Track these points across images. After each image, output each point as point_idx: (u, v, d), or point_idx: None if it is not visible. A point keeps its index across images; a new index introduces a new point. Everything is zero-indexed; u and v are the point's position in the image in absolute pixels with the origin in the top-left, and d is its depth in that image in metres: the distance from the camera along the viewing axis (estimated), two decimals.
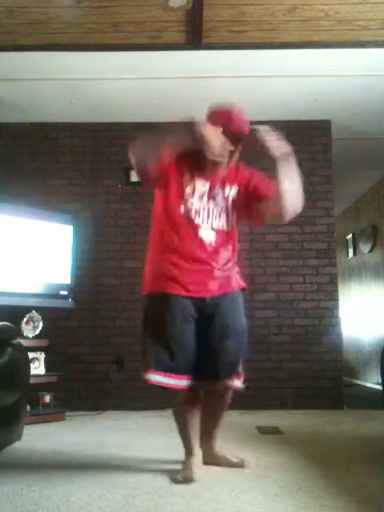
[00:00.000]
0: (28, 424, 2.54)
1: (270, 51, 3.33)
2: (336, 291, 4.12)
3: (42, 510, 1.61)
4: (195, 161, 2.08)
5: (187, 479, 1.92)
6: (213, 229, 2.09)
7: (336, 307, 4.10)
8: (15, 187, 4.05)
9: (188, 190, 2.07)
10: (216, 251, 2.08)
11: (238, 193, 2.15)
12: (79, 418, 3.52)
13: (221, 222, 2.11)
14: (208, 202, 2.09)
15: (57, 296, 3.63)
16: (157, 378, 1.95)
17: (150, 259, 2.14)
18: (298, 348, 4.02)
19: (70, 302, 3.68)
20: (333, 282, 4.13)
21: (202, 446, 2.17)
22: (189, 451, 2.11)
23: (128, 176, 4.19)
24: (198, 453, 2.12)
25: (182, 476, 1.95)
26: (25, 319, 3.54)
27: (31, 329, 3.56)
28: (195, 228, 2.06)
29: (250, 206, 2.14)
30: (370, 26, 3.06)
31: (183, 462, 2.08)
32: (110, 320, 4.04)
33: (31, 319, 3.57)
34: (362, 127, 4.39)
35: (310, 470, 2.09)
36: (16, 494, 1.77)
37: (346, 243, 6.83)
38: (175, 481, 1.92)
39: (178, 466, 2.14)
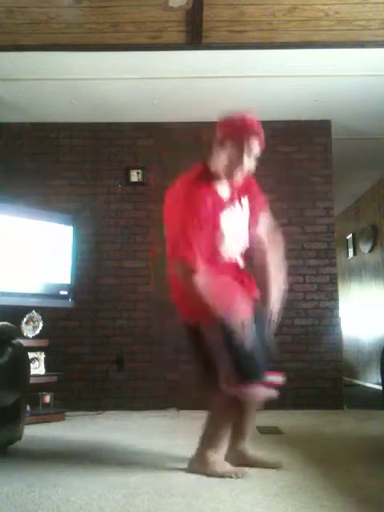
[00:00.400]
0: (28, 424, 2.54)
1: (269, 51, 3.33)
2: (336, 291, 4.12)
3: (42, 510, 1.61)
4: (210, 185, 2.08)
5: (239, 473, 2.00)
6: (239, 248, 2.22)
7: (336, 307, 4.10)
8: (15, 187, 4.05)
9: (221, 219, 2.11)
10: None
11: (254, 209, 2.24)
12: (79, 417, 3.52)
13: (243, 236, 2.21)
14: (233, 219, 2.14)
15: (57, 296, 3.63)
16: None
17: None
18: (298, 348, 4.02)
19: (70, 302, 3.68)
20: (333, 282, 4.13)
21: (235, 448, 2.21)
22: (221, 448, 2.14)
23: (128, 176, 4.19)
24: None
25: (230, 472, 2.01)
26: (25, 319, 3.54)
27: (31, 329, 3.56)
28: (231, 251, 2.18)
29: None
30: (370, 26, 3.06)
31: (210, 458, 2.08)
32: (110, 320, 4.03)
33: (31, 319, 3.57)
34: (362, 127, 4.39)
35: (310, 469, 2.09)
36: (16, 494, 1.77)
37: (346, 243, 6.83)
38: (229, 475, 1.99)
39: (179, 466, 2.14)
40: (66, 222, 3.73)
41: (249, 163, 2.07)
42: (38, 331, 3.57)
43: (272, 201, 4.16)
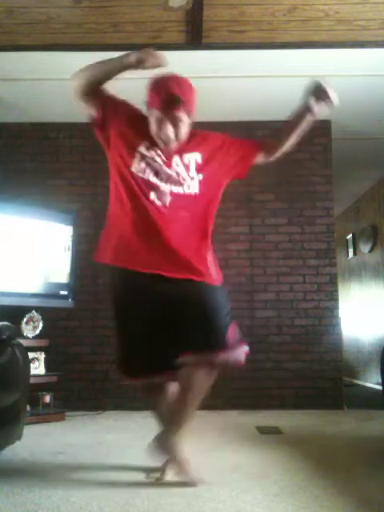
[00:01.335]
0: (28, 424, 2.54)
1: (269, 51, 3.32)
2: (336, 291, 4.12)
3: (42, 509, 1.61)
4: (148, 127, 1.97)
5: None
6: (171, 192, 1.94)
7: (336, 307, 4.10)
8: (15, 187, 4.05)
9: (142, 148, 1.95)
10: (174, 218, 1.93)
11: (209, 160, 2.02)
12: (79, 417, 3.52)
13: (184, 187, 1.96)
14: (165, 169, 1.95)
15: (57, 296, 3.63)
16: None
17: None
18: (298, 348, 4.02)
19: (69, 302, 3.68)
20: (333, 282, 4.13)
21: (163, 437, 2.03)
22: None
23: None
24: None
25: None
26: (25, 319, 3.54)
27: (31, 329, 3.56)
28: (149, 189, 1.93)
29: (233, 167, 2.11)
30: (370, 26, 3.06)
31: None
32: (110, 320, 4.01)
33: (31, 319, 3.57)
34: (362, 127, 4.39)
35: (310, 470, 2.09)
36: (16, 494, 1.77)
37: (346, 243, 6.83)
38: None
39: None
40: (66, 222, 3.73)
41: (174, 129, 1.91)
42: (38, 331, 3.57)
43: (272, 201, 4.22)
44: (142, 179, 1.94)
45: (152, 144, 1.97)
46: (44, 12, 2.95)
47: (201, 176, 2.00)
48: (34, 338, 3.54)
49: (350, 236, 6.72)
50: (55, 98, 3.93)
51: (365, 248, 6.16)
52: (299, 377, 3.96)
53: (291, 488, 1.83)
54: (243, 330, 4.09)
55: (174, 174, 1.96)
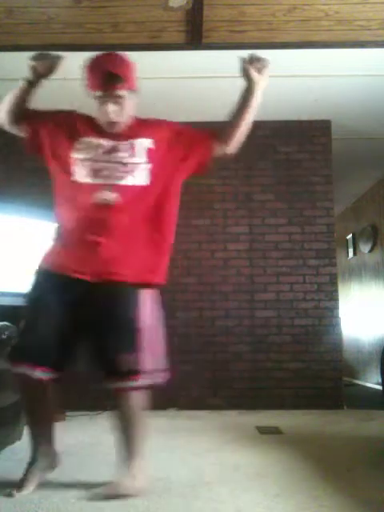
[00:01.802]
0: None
1: (270, 51, 3.31)
2: (336, 291, 4.12)
3: (42, 509, 1.61)
4: (87, 121, 1.94)
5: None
6: (115, 186, 1.83)
7: (336, 307, 4.10)
8: (15, 187, 4.05)
9: (78, 149, 1.88)
10: (117, 216, 1.81)
11: (159, 148, 1.90)
12: (79, 417, 3.52)
13: (130, 177, 1.85)
14: (109, 159, 1.86)
15: None
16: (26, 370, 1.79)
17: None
18: (298, 348, 4.02)
19: None
20: (333, 282, 4.13)
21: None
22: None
23: None
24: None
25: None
26: None
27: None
28: (89, 190, 1.82)
29: (186, 160, 1.93)
30: (370, 26, 3.06)
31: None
32: None
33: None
34: (362, 127, 4.39)
35: (310, 470, 2.09)
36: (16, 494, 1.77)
37: (346, 243, 6.83)
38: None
39: (179, 466, 2.14)
40: None
41: (117, 108, 1.84)
42: None
43: (272, 201, 4.22)
44: (82, 183, 1.86)
45: (95, 134, 1.90)
46: (44, 12, 2.95)
47: (150, 165, 1.87)
48: None
49: (350, 236, 6.72)
50: (55, 97, 3.92)
51: (365, 248, 6.16)
52: (299, 377, 3.96)
53: (291, 488, 1.83)
54: (243, 329, 4.13)
55: (118, 165, 1.85)
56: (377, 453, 2.43)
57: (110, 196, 1.81)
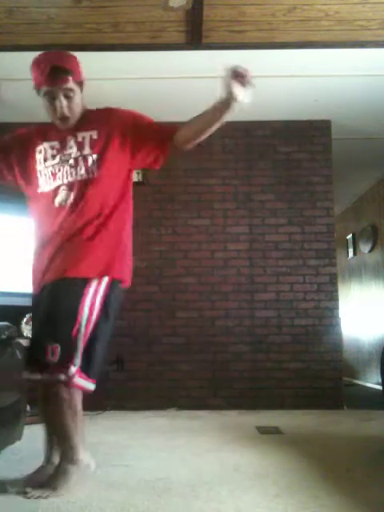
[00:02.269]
0: (28, 424, 2.53)
1: (270, 51, 3.32)
2: (336, 291, 4.12)
3: (42, 510, 1.61)
4: (39, 129, 1.98)
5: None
6: (67, 184, 1.84)
7: (336, 307, 4.10)
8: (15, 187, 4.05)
9: (39, 159, 1.90)
10: (70, 213, 1.81)
11: (109, 139, 1.88)
12: None
13: (78, 171, 1.84)
14: (61, 158, 1.87)
15: None
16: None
17: None
18: (298, 348, 4.02)
19: None
20: (333, 282, 4.13)
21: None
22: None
23: None
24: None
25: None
26: (25, 319, 3.53)
27: (31, 329, 3.55)
28: (52, 197, 1.85)
29: (139, 150, 1.91)
30: (370, 26, 3.06)
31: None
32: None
33: (31, 319, 3.56)
34: (362, 127, 4.39)
35: (310, 470, 2.09)
36: (16, 494, 1.77)
37: (346, 243, 6.83)
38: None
39: (179, 466, 2.14)
40: None
41: (67, 101, 1.84)
42: None
43: (272, 201, 4.23)
44: (46, 192, 1.89)
45: (49, 137, 1.93)
46: (44, 12, 2.95)
47: (96, 156, 1.86)
48: None
49: (350, 236, 6.72)
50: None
51: (365, 248, 6.16)
52: (299, 377, 3.96)
53: (291, 488, 1.82)
54: (243, 329, 4.13)
55: (68, 161, 1.85)
56: (377, 453, 2.43)
57: (66, 196, 1.83)
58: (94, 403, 3.84)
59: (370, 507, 1.63)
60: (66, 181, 1.85)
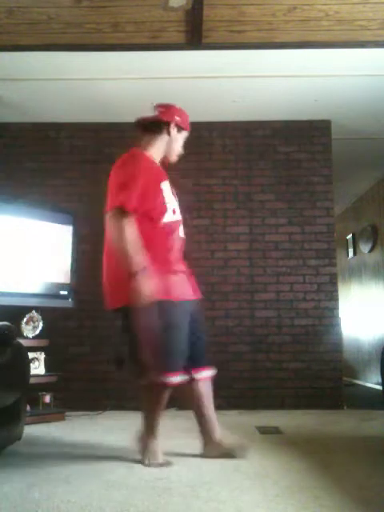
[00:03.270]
0: (28, 424, 2.54)
1: (270, 51, 3.32)
2: (336, 291, 4.12)
3: (42, 510, 1.61)
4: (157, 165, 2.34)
5: (165, 464, 2.16)
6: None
7: (336, 307, 4.10)
8: (15, 187, 4.05)
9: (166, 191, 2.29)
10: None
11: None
12: (79, 418, 3.52)
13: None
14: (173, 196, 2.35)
15: (57, 296, 3.62)
16: (178, 378, 2.17)
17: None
18: (298, 348, 4.02)
19: (69, 302, 3.68)
20: (333, 282, 4.13)
21: (212, 440, 2.34)
22: (156, 435, 2.30)
23: None
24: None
25: (158, 462, 2.17)
26: (25, 319, 3.54)
27: (31, 329, 3.56)
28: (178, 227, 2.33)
29: None
30: (370, 26, 3.06)
31: (146, 447, 2.26)
32: (110, 320, 4.02)
33: (31, 319, 3.57)
34: (362, 127, 4.39)
35: (310, 470, 2.09)
36: (16, 493, 1.77)
37: (346, 243, 6.83)
38: (153, 465, 2.14)
39: (179, 466, 2.14)
40: (66, 222, 3.73)
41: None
42: (37, 331, 3.57)
43: (272, 201, 4.22)
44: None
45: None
46: (44, 12, 2.95)
47: None
48: (34, 338, 3.54)
49: (350, 236, 6.72)
50: (55, 97, 3.93)
51: (365, 248, 6.16)
52: (299, 377, 3.96)
53: (291, 488, 1.82)
54: (243, 329, 4.12)
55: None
56: (377, 453, 2.43)
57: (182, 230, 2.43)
58: (94, 403, 3.87)
59: (370, 507, 1.63)
60: (180, 227, 2.37)
